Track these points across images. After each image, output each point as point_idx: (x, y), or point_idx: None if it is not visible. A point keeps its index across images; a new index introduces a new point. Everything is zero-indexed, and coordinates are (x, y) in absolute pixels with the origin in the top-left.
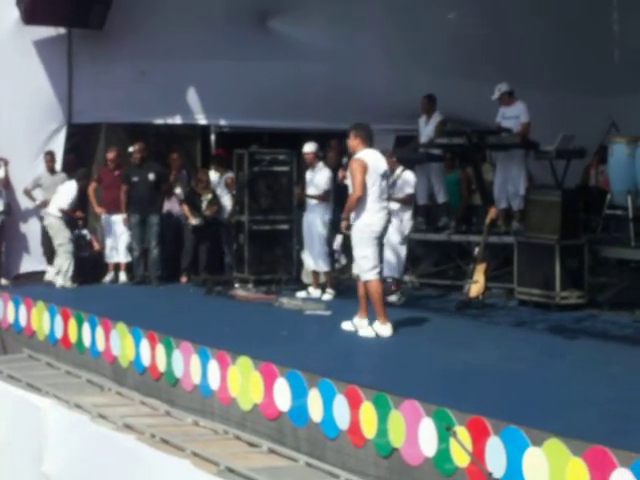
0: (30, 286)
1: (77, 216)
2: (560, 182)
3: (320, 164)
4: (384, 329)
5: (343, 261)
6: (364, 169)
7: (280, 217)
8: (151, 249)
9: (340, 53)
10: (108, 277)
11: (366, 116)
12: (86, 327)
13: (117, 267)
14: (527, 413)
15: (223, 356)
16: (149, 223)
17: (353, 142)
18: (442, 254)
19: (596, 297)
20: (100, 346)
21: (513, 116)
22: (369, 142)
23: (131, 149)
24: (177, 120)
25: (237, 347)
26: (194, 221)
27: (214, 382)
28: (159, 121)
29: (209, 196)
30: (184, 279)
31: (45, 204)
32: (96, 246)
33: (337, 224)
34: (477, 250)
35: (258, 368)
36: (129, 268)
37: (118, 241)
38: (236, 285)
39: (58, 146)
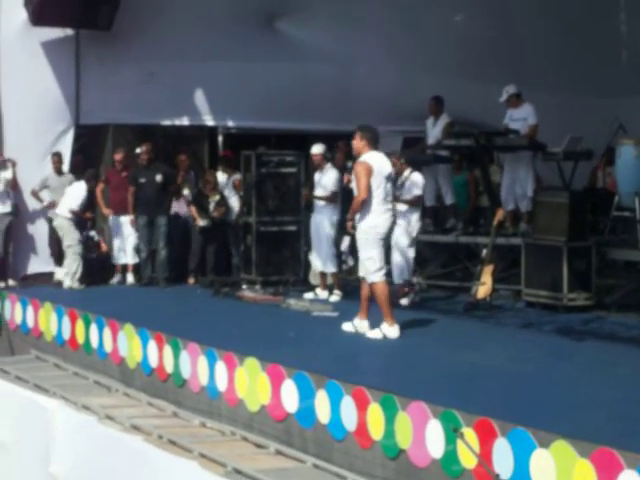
0: (38, 287)
1: (87, 217)
2: (568, 184)
3: (328, 165)
4: (391, 331)
5: (351, 262)
6: (369, 172)
7: (287, 218)
8: (159, 250)
9: (347, 55)
10: (116, 278)
11: (373, 118)
12: (94, 328)
13: (125, 268)
14: (534, 415)
15: (230, 357)
16: (157, 224)
17: (359, 144)
18: (450, 256)
19: (603, 299)
20: (107, 347)
21: (521, 118)
22: (374, 144)
23: (138, 150)
24: (185, 121)
25: (244, 348)
26: (202, 222)
27: (221, 383)
28: (167, 122)
29: (217, 197)
30: (191, 280)
31: (52, 205)
32: (104, 247)
33: (345, 225)
34: (485, 252)
35: (265, 369)
36: (137, 269)
37: (126, 242)
38: (243, 286)
39: (66, 147)
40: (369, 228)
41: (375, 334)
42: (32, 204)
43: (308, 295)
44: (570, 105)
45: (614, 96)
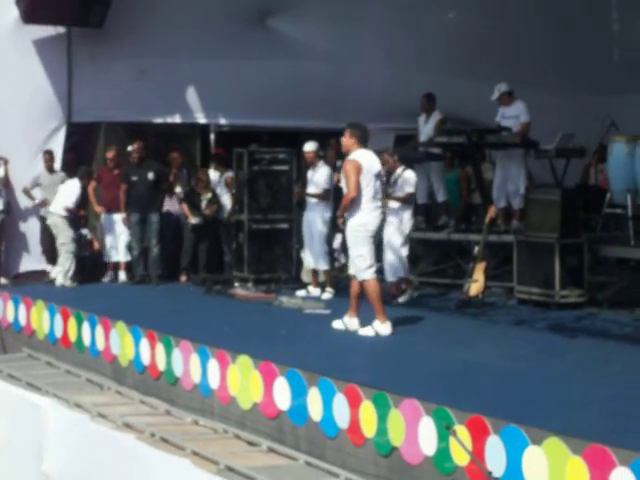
0: (30, 285)
1: (81, 214)
2: (560, 181)
3: (320, 163)
4: (384, 328)
5: (343, 260)
6: (358, 170)
7: (280, 216)
8: (151, 248)
9: (340, 52)
10: (108, 276)
11: (365, 115)
12: (86, 326)
13: (117, 266)
14: (527, 412)
15: (223, 355)
16: (149, 222)
17: (348, 141)
18: (442, 253)
19: (596, 296)
20: (100, 345)
21: (513, 116)
22: (364, 142)
23: (130, 148)
24: (177, 119)
25: (237, 346)
26: (194, 220)
27: (214, 381)
28: (159, 120)
29: (209, 195)
30: (184, 278)
31: (44, 203)
32: (96, 245)
33: (337, 223)
34: (477, 249)
35: (258, 367)
36: (129, 267)
37: (118, 240)
38: (236, 284)
39: (58, 145)
40: (359, 226)
41: (367, 331)
42: (24, 202)
43: (300, 293)
44: (563, 102)
45: (606, 93)
